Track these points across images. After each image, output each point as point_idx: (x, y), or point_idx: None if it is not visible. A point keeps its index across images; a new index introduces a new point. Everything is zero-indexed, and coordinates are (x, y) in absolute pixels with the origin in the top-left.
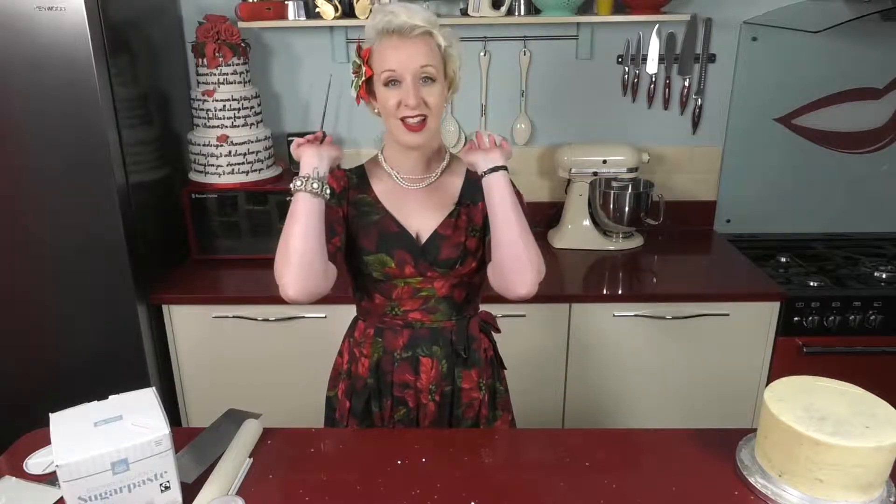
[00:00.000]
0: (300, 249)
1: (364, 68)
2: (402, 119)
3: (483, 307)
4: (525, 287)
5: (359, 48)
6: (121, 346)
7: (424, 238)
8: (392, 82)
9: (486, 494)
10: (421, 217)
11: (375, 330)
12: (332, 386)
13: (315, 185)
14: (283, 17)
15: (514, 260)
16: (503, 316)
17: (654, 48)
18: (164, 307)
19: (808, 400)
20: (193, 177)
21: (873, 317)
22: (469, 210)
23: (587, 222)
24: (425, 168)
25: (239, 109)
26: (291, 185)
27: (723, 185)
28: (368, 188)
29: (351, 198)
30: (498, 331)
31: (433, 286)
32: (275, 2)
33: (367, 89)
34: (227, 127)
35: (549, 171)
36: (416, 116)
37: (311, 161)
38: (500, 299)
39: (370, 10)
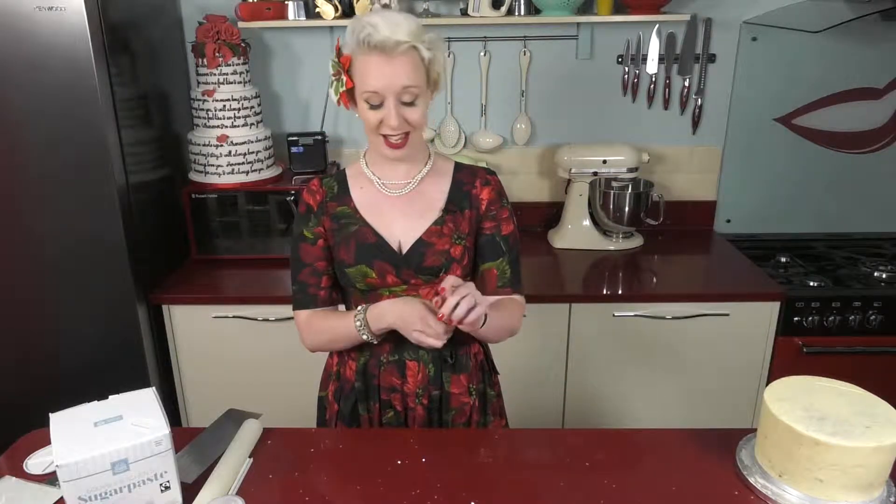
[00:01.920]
0: (335, 347)
1: (345, 77)
2: (384, 136)
3: None
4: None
5: (338, 50)
6: (121, 346)
7: (407, 246)
8: (374, 101)
9: (486, 494)
10: (403, 225)
11: None
12: (324, 387)
13: (364, 336)
14: (283, 17)
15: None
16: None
17: (654, 48)
18: (164, 307)
19: (808, 400)
20: (193, 177)
21: (873, 317)
22: (455, 218)
23: (587, 222)
24: (408, 172)
25: (239, 109)
26: (360, 325)
27: (723, 185)
28: (348, 198)
29: (329, 210)
30: None
31: (419, 293)
32: (275, 2)
33: (349, 96)
34: (227, 127)
35: (549, 171)
36: (399, 136)
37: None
38: None
39: (370, 10)
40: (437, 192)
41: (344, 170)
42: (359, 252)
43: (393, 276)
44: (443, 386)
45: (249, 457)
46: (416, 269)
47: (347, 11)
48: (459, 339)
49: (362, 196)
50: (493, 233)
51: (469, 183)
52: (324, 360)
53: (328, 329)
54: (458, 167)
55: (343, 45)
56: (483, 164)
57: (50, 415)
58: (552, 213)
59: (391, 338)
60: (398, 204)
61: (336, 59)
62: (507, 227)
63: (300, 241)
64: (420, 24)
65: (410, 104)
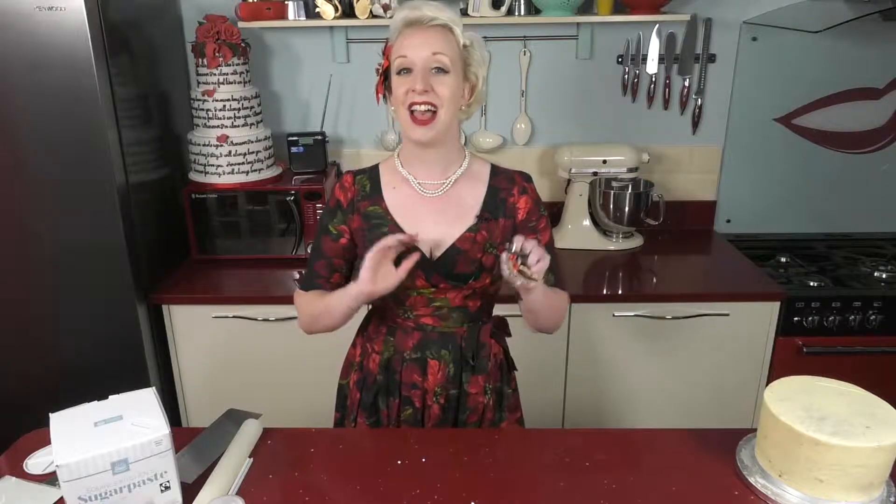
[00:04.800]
0: (325, 328)
1: (383, 61)
2: (411, 110)
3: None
4: (551, 331)
5: (385, 44)
6: (121, 346)
7: (439, 252)
8: (404, 70)
9: (486, 494)
10: (437, 229)
11: (388, 329)
12: (345, 375)
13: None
14: (283, 17)
15: (547, 326)
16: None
17: (654, 48)
18: (164, 307)
19: (808, 400)
20: (193, 177)
21: (873, 317)
22: (489, 226)
23: (587, 222)
24: (443, 172)
25: (239, 109)
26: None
27: (723, 185)
28: (380, 198)
29: (360, 209)
30: (509, 335)
31: (446, 297)
32: (275, 2)
33: (386, 85)
34: (227, 127)
35: (549, 171)
36: (424, 105)
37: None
38: (509, 300)
39: (370, 11)
40: (472, 198)
41: (377, 166)
42: None
43: (422, 279)
44: (461, 385)
45: (249, 457)
46: (445, 275)
47: (347, 11)
48: (482, 341)
49: (395, 197)
50: None
51: (506, 190)
52: (328, 360)
53: (320, 305)
54: (495, 171)
55: (388, 39)
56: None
57: (50, 415)
58: (552, 213)
59: (415, 335)
60: (432, 206)
61: (382, 54)
62: (545, 236)
63: (323, 234)
64: (459, 17)
65: (439, 76)
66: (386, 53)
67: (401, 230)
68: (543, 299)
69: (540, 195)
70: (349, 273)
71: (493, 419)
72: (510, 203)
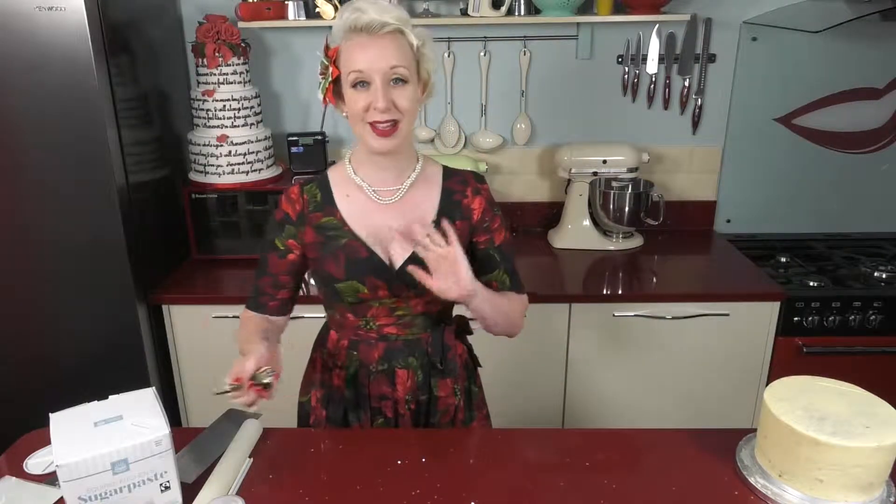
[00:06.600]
0: None
1: (331, 69)
2: (372, 123)
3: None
4: (510, 336)
5: (326, 47)
6: (121, 346)
7: (400, 261)
8: (360, 84)
9: (486, 494)
10: (395, 239)
11: (349, 342)
12: (304, 392)
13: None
14: (283, 17)
15: (500, 332)
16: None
17: (654, 48)
18: (164, 307)
19: (808, 400)
20: (193, 177)
21: (873, 317)
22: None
23: (587, 222)
24: (397, 177)
25: (239, 109)
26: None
27: (723, 185)
28: (333, 208)
29: (312, 221)
30: (471, 332)
31: (409, 305)
32: (275, 2)
33: (336, 91)
34: (227, 127)
35: (549, 171)
36: (386, 122)
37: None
38: None
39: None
40: (428, 203)
41: (326, 174)
42: (349, 267)
43: (385, 290)
44: (430, 390)
45: (249, 457)
46: (408, 284)
47: None
48: (447, 344)
49: (349, 205)
50: (488, 246)
51: (460, 192)
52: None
53: (241, 341)
54: (447, 173)
55: (331, 41)
56: (480, 165)
57: (50, 415)
58: (552, 213)
59: (379, 346)
60: (388, 214)
61: (324, 54)
62: (499, 237)
63: (270, 250)
64: (408, 15)
65: (399, 88)
66: (332, 58)
67: (358, 239)
68: (487, 305)
69: (540, 195)
70: (297, 287)
71: (464, 419)
72: (465, 204)
